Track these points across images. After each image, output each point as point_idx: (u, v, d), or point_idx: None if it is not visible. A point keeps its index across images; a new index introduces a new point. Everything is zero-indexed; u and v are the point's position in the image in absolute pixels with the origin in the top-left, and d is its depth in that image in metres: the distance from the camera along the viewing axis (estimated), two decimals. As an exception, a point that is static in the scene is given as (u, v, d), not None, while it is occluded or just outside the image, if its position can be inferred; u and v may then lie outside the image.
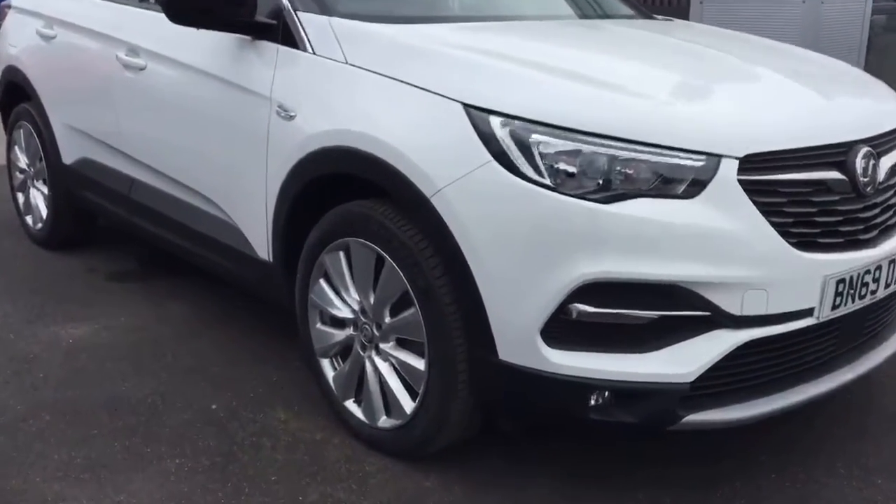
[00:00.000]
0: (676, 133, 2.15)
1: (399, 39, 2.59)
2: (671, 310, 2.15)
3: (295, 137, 2.68)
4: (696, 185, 2.13)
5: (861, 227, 2.33)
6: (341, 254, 2.63)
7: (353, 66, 2.56)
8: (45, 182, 4.39)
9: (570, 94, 2.24)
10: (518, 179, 2.16)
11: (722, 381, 2.24)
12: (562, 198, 2.12)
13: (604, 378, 2.18)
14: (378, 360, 2.60)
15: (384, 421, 2.63)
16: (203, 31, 2.93)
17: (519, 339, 2.21)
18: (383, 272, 2.49)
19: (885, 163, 2.44)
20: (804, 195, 2.24)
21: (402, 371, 2.53)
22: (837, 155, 2.31)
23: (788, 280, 2.19)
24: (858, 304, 2.37)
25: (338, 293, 2.69)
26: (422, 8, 3.16)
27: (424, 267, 2.36)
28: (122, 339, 3.49)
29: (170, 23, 2.82)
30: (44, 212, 4.45)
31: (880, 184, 2.39)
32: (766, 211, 2.17)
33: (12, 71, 4.43)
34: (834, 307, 2.29)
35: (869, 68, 5.42)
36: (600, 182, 2.12)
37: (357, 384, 2.73)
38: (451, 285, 2.33)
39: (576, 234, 2.11)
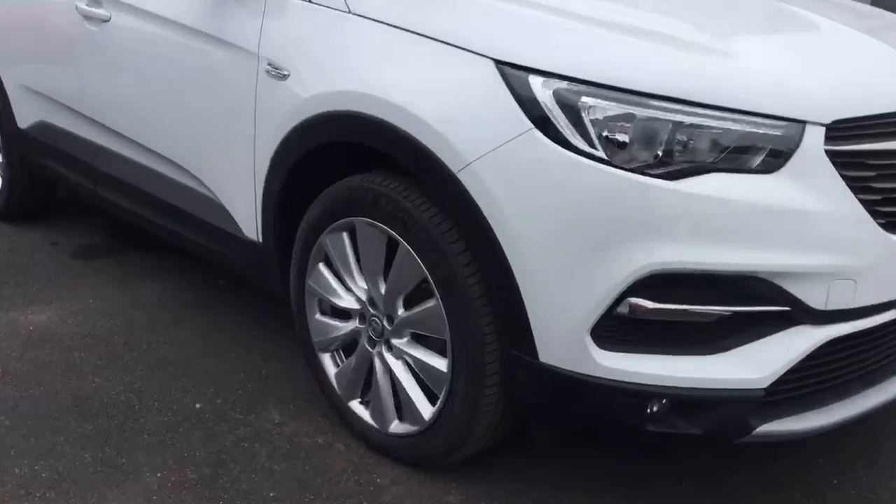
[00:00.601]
0: (752, 95, 1.81)
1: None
2: (745, 305, 1.83)
3: (288, 100, 2.30)
4: (776, 157, 1.80)
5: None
6: (345, 235, 2.28)
7: (359, 15, 2.18)
8: (-2, 148, 3.96)
9: (626, 50, 1.88)
10: (564, 151, 1.81)
11: (797, 385, 1.93)
12: (618, 172, 1.78)
13: (664, 384, 1.86)
14: (389, 358, 2.26)
15: (396, 426, 2.30)
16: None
17: (564, 340, 1.88)
18: (397, 257, 2.14)
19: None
20: (894, 167, 1.91)
21: (419, 371, 2.20)
22: None
23: (880, 267, 1.88)
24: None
25: (340, 280, 2.34)
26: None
27: (448, 253, 2.01)
28: (90, 325, 3.11)
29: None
30: (-2, 181, 4.02)
31: None
32: (854, 187, 1.84)
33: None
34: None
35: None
36: (663, 154, 1.78)
37: (364, 383, 2.39)
38: (480, 275, 1.99)
39: (636, 216, 1.77)
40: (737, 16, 2.31)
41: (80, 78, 3.17)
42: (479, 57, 1.92)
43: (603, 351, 1.86)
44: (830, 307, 1.85)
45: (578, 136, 1.80)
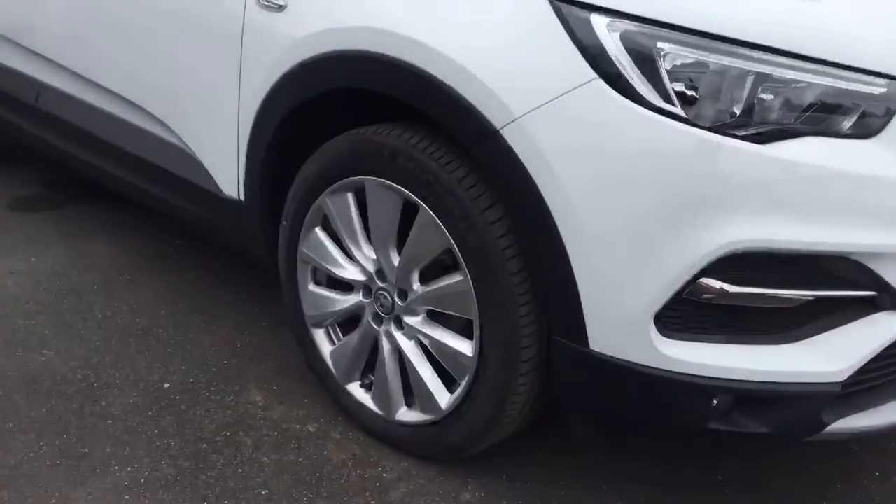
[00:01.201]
0: (852, 48, 1.56)
1: None
2: (829, 289, 1.61)
3: (284, 37, 1.97)
4: (873, 120, 1.56)
5: None
6: (350, 196, 1.97)
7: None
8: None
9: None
10: (635, 106, 1.54)
11: (872, 377, 1.72)
12: (699, 133, 1.51)
13: (732, 377, 1.63)
14: (400, 338, 1.98)
15: (404, 413, 2.03)
16: None
17: (622, 326, 1.62)
18: (416, 225, 1.85)
19: None
20: None
21: (437, 354, 1.93)
22: None
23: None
24: None
25: (342, 247, 2.04)
26: None
27: (479, 221, 1.74)
28: (35, 288, 2.74)
29: None
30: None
31: None
32: None
33: None
34: None
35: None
36: (751, 112, 1.52)
37: (365, 364, 2.11)
38: (519, 247, 1.72)
39: (719, 184, 1.52)
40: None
41: (23, 2, 2.76)
42: (530, -9, 1.63)
43: (666, 339, 1.62)
44: (921, 292, 1.63)
45: (651, 89, 1.53)
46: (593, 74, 1.55)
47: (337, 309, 2.10)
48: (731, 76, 1.51)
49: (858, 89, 1.55)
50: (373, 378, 2.11)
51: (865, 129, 1.56)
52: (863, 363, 1.65)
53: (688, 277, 1.55)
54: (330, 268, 2.07)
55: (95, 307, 2.66)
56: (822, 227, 1.53)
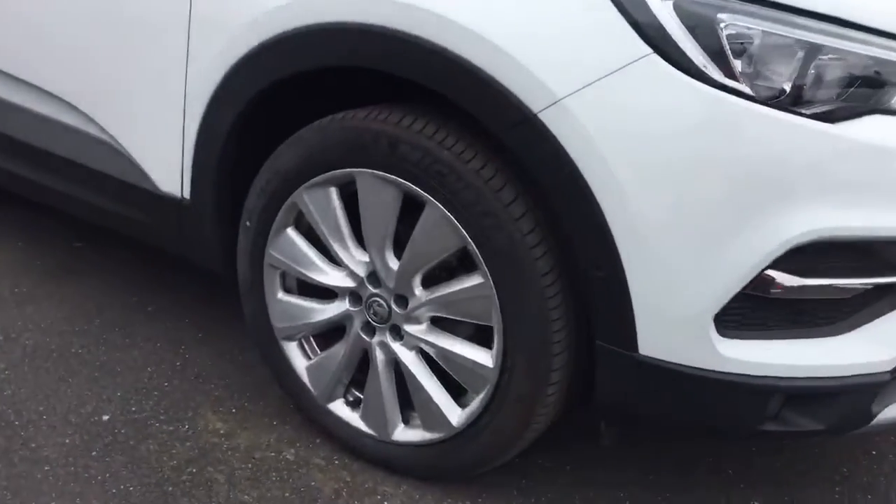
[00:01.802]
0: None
1: None
2: (887, 275, 1.51)
3: (254, 3, 1.69)
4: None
5: None
6: (333, 192, 1.72)
7: None
8: None
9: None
10: (694, 82, 1.37)
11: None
12: (768, 112, 1.37)
13: (793, 375, 1.51)
14: (398, 349, 1.76)
15: (402, 432, 1.82)
16: None
17: (678, 328, 1.48)
18: (422, 223, 1.63)
19: None
20: None
21: (445, 365, 1.72)
22: None
23: None
24: None
25: (322, 249, 1.79)
26: None
27: (504, 217, 1.54)
28: (-85, 311, 2.32)
29: None
30: None
31: None
32: None
33: None
34: None
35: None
36: (822, 89, 1.39)
37: (350, 380, 1.87)
38: (548, 245, 1.54)
39: (792, 168, 1.39)
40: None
41: None
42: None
43: (723, 339, 1.48)
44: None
45: (712, 64, 1.37)
46: (647, 49, 1.38)
47: (316, 320, 1.84)
48: (799, 50, 1.37)
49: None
50: (360, 395, 1.88)
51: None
52: (911, 349, 1.57)
53: (756, 272, 1.41)
54: (307, 273, 1.81)
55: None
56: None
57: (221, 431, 1.97)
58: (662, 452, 1.99)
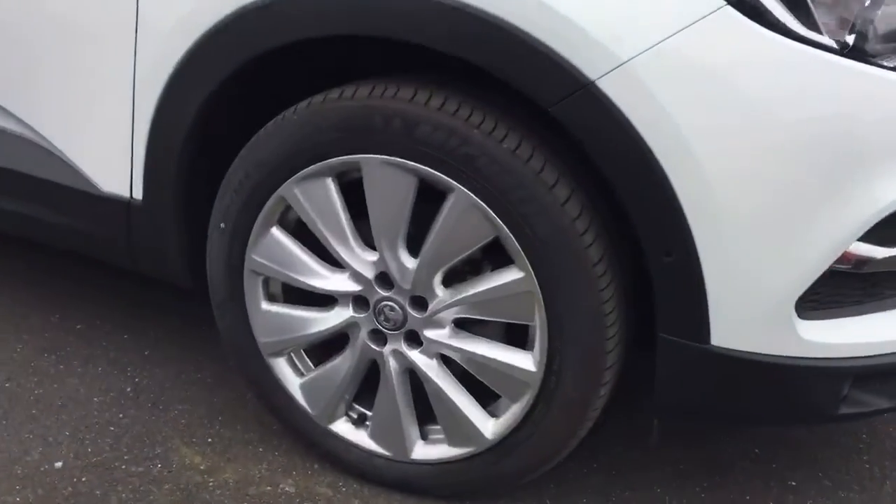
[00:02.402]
0: None
1: None
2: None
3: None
4: None
5: None
6: (331, 182, 1.47)
7: None
8: None
9: None
10: (776, 36, 1.21)
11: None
12: (858, 67, 1.22)
13: (873, 353, 1.39)
14: (417, 357, 1.54)
15: (422, 450, 1.61)
16: None
17: (757, 315, 1.32)
18: (446, 214, 1.41)
19: None
20: None
21: (476, 372, 1.51)
22: None
23: None
24: None
25: (318, 250, 1.54)
26: None
27: (548, 202, 1.34)
28: None
29: None
30: None
31: None
32: None
33: None
34: None
35: None
36: (907, 40, 1.25)
37: (353, 396, 1.64)
38: (599, 230, 1.36)
39: (888, 129, 1.24)
40: None
41: None
42: None
43: (804, 322, 1.34)
44: None
45: (793, 16, 1.21)
46: (720, 1, 1.20)
47: (313, 331, 1.59)
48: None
49: None
50: (364, 411, 1.65)
51: None
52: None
53: (847, 245, 1.27)
54: (300, 278, 1.56)
55: None
56: None
57: (202, 467, 1.70)
58: (692, 442, 1.85)
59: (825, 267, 1.28)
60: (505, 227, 1.37)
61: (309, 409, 1.65)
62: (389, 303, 1.51)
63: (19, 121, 1.70)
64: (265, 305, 1.62)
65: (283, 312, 1.61)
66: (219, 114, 1.53)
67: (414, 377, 1.56)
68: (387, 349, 1.55)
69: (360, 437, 1.64)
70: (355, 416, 1.66)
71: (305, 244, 1.55)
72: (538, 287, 1.39)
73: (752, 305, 1.31)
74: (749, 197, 1.25)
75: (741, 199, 1.25)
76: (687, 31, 1.21)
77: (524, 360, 1.46)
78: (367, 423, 1.64)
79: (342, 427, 1.66)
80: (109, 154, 1.64)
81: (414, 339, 1.53)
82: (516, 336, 1.49)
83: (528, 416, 1.49)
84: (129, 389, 1.91)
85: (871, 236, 1.29)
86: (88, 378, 1.94)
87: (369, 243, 1.50)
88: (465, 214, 1.39)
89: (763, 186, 1.25)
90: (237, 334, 1.67)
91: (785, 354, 1.34)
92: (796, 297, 1.31)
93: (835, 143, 1.23)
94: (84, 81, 1.61)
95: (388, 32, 1.33)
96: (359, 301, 1.55)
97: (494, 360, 1.48)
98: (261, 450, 1.75)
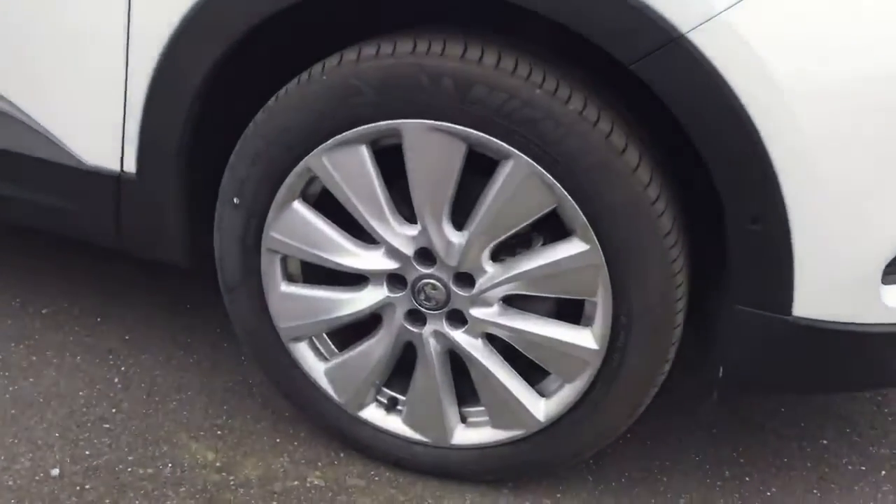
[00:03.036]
0: None
1: None
2: None
3: None
4: None
5: None
6: (365, 150, 1.32)
7: None
8: None
9: None
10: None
11: None
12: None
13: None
14: (461, 338, 1.41)
15: (463, 434, 1.50)
16: None
17: (844, 282, 1.24)
18: (500, 183, 1.27)
19: None
20: None
21: (530, 352, 1.40)
22: None
23: None
24: None
25: (347, 224, 1.39)
26: None
27: (619, 169, 1.23)
28: None
29: None
30: None
31: None
32: None
33: None
34: None
35: None
36: None
37: (385, 378, 1.52)
38: (668, 198, 1.26)
39: None
40: None
41: None
42: None
43: (887, 287, 1.27)
44: None
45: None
46: (823, -58, 1.09)
47: (342, 314, 1.45)
48: None
49: None
50: (395, 395, 1.52)
51: None
52: None
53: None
54: (327, 256, 1.41)
55: None
56: None
57: (217, 464, 1.55)
58: (719, 406, 1.79)
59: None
60: (569, 196, 1.25)
61: (335, 396, 1.52)
62: (431, 280, 1.38)
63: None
64: (285, 287, 1.46)
65: (307, 294, 1.46)
66: (237, 75, 1.34)
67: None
68: (426, 330, 1.42)
69: (393, 424, 1.52)
70: (385, 401, 1.53)
71: (332, 219, 1.39)
72: (604, 260, 1.28)
73: (839, 274, 1.23)
74: (847, 161, 1.16)
75: (839, 162, 1.16)
76: (787, -23, 1.09)
77: (584, 338, 1.35)
78: (399, 407, 1.52)
79: (373, 413, 1.53)
80: (95, 122, 1.44)
81: (458, 319, 1.40)
82: (567, 312, 1.38)
83: (585, 395, 1.39)
84: (116, 381, 1.73)
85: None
86: (67, 369, 1.75)
87: (405, 217, 1.36)
88: (522, 183, 1.26)
89: (863, 150, 1.16)
90: (252, 319, 1.51)
91: (867, 322, 1.27)
92: (885, 263, 1.23)
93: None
94: (64, 35, 1.39)
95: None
96: (395, 279, 1.41)
97: (553, 339, 1.37)
98: (278, 440, 1.61)
